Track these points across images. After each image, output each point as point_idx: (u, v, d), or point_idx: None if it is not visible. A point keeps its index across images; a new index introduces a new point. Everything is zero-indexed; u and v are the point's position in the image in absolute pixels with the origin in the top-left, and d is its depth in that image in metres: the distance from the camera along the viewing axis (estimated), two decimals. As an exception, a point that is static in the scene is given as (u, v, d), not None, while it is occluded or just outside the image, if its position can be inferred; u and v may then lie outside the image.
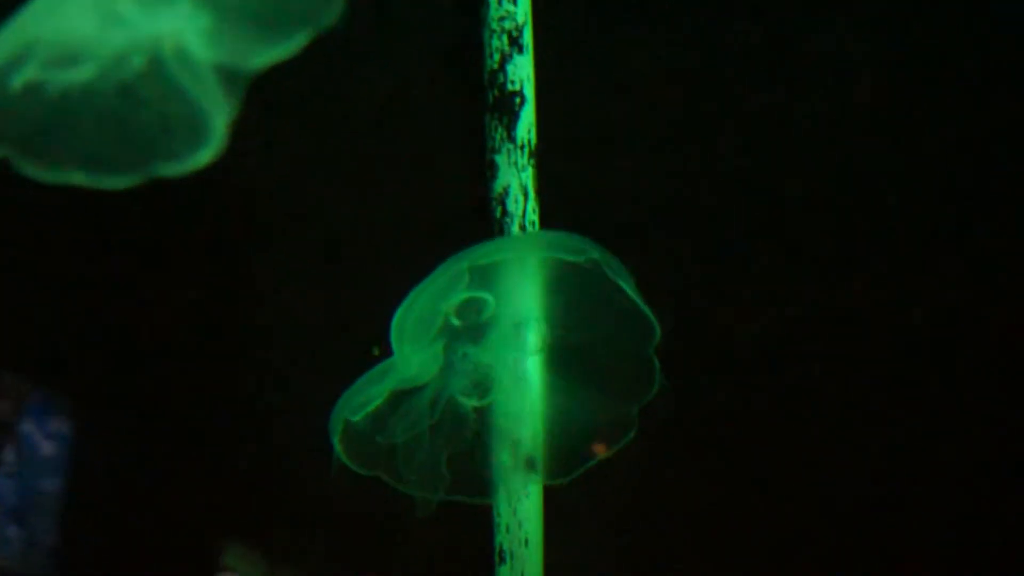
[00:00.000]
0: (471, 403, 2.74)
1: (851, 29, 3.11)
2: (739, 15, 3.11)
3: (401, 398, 2.71)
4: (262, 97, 2.65)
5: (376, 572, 3.18)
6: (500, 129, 3.06)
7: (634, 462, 3.10)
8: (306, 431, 3.12)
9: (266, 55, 2.08)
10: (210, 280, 3.16)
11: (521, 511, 3.04)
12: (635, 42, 3.12)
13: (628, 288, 2.59)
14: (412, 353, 2.66)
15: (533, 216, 3.06)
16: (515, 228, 3.05)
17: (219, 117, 2.08)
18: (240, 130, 2.90)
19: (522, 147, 3.06)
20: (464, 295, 2.66)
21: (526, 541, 3.04)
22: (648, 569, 3.13)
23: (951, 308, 3.13)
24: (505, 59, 3.05)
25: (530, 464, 3.02)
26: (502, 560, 3.04)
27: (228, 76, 2.08)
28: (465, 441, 2.80)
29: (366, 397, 2.66)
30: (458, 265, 2.64)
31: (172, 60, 2.03)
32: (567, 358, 2.75)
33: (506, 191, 3.06)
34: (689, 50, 3.12)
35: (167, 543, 3.15)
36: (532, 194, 3.06)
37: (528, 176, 3.06)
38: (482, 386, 2.74)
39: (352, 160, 3.15)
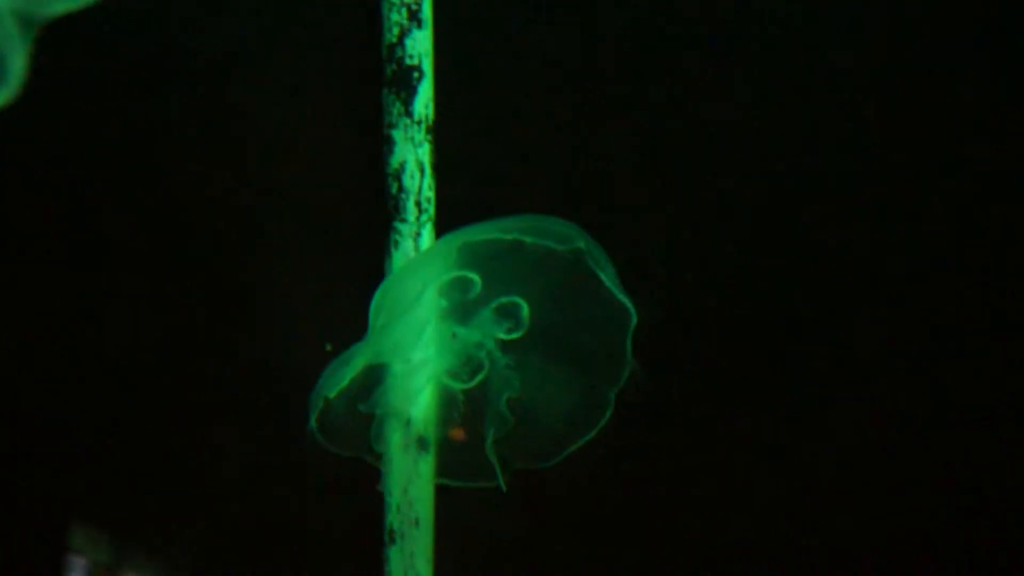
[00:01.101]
0: (458, 385, 2.73)
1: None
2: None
3: (384, 370, 2.73)
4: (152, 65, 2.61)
5: (261, 553, 3.14)
6: (398, 104, 3.02)
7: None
8: (171, 413, 3.08)
9: (62, 3, 2.15)
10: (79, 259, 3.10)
11: (412, 491, 3.01)
12: (535, 18, 3.09)
13: (608, 277, 2.64)
14: (394, 328, 2.66)
15: (429, 192, 3.03)
16: (411, 204, 3.02)
17: (16, 58, 2.19)
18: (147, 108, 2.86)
19: (419, 122, 3.02)
20: (452, 274, 2.67)
21: (416, 521, 3.01)
22: (540, 550, 3.12)
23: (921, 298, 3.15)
24: (404, 33, 3.02)
25: (421, 444, 2.99)
26: (392, 540, 3.01)
27: (24, 20, 2.11)
28: (453, 422, 2.79)
29: (342, 374, 2.68)
30: (448, 244, 2.65)
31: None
32: (545, 340, 2.76)
33: (402, 166, 3.02)
34: (589, 26, 3.10)
35: (13, 524, 3.09)
36: (428, 170, 3.03)
37: (425, 152, 3.02)
38: (470, 367, 2.74)
39: (247, 135, 3.10)
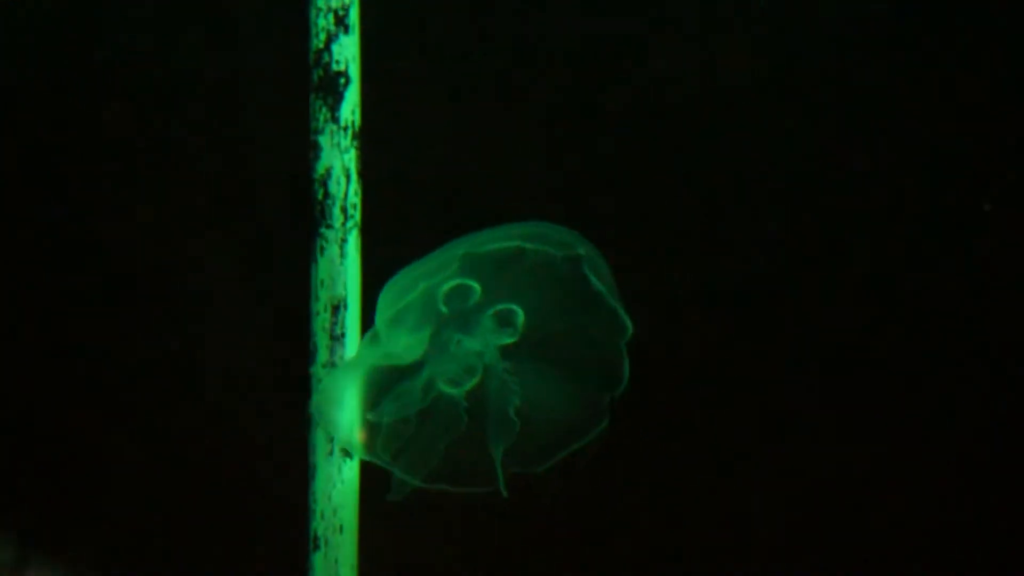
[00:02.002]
0: (457, 391, 2.75)
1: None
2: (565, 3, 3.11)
3: (395, 379, 2.74)
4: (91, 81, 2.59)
5: (184, 559, 3.13)
6: (324, 110, 3.01)
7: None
8: (85, 415, 3.06)
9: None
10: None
11: (336, 497, 3.00)
12: (462, 24, 3.09)
13: (605, 286, 2.67)
14: (397, 331, 2.70)
15: (355, 199, 3.02)
16: (336, 210, 3.01)
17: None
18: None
19: (346, 128, 3.01)
20: (453, 281, 2.69)
21: (341, 528, 3.00)
22: (465, 556, 3.12)
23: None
24: (331, 39, 3.01)
25: (345, 449, 2.99)
26: (316, 547, 3.00)
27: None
28: (457, 429, 2.78)
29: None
30: (452, 252, 2.68)
31: None
32: (542, 347, 2.77)
33: (328, 172, 3.01)
34: (515, 33, 3.10)
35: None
36: (355, 176, 3.02)
37: (351, 158, 3.02)
38: (470, 373, 2.75)
39: (173, 140, 3.08)
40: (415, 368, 2.75)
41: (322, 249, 3.02)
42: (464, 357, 2.75)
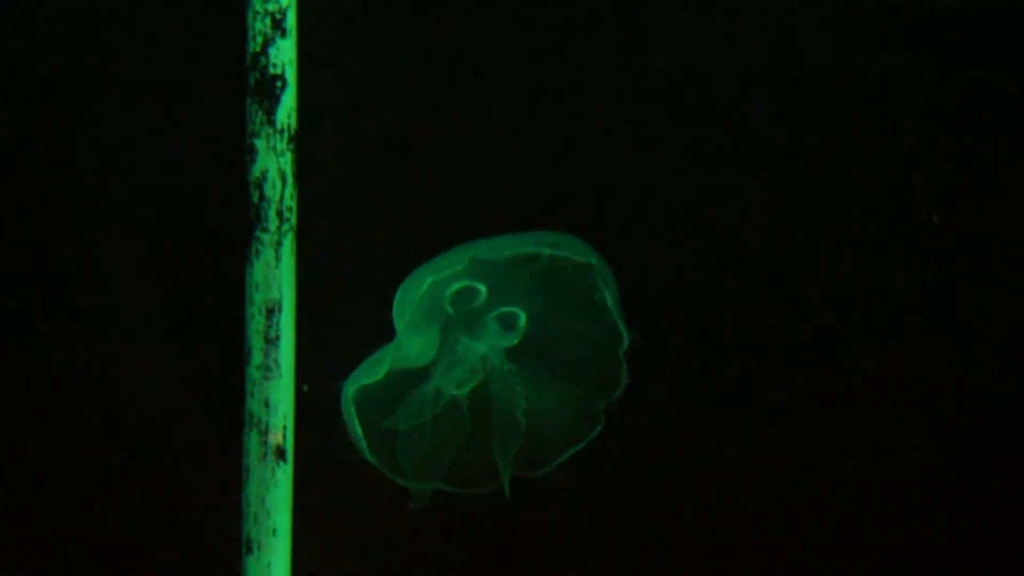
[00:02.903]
0: (460, 392, 2.77)
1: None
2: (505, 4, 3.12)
3: (408, 387, 2.76)
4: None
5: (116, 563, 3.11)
6: (260, 113, 3.01)
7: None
8: (19, 418, 3.05)
9: None
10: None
11: (269, 500, 3.00)
12: (399, 28, 3.10)
13: (611, 296, 2.72)
14: (411, 334, 2.72)
15: (291, 202, 3.02)
16: (272, 213, 3.01)
17: None
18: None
19: (282, 131, 3.02)
20: (460, 284, 2.71)
21: (274, 531, 3.00)
22: (401, 558, 3.12)
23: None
24: (268, 42, 3.01)
25: (279, 453, 2.99)
26: (249, 550, 3.00)
27: None
28: (463, 432, 2.80)
29: (370, 376, 2.73)
30: (461, 254, 2.70)
31: None
32: (543, 352, 2.80)
33: (264, 175, 3.02)
34: (453, 36, 3.11)
35: None
36: (291, 179, 3.02)
37: (287, 161, 3.02)
38: (473, 374, 2.77)
39: (109, 142, 3.07)
40: (426, 373, 2.77)
41: (257, 252, 3.02)
42: (468, 359, 2.76)
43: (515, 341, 2.75)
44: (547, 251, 2.71)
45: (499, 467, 2.80)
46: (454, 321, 2.76)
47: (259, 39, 3.02)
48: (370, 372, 2.74)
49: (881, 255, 3.16)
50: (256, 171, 3.02)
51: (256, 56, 3.02)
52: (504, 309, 2.77)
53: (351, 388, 2.77)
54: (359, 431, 2.78)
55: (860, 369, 3.16)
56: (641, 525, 3.13)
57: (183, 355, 3.05)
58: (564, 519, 3.09)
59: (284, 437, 3.01)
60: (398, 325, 2.74)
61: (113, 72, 3.06)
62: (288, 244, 3.02)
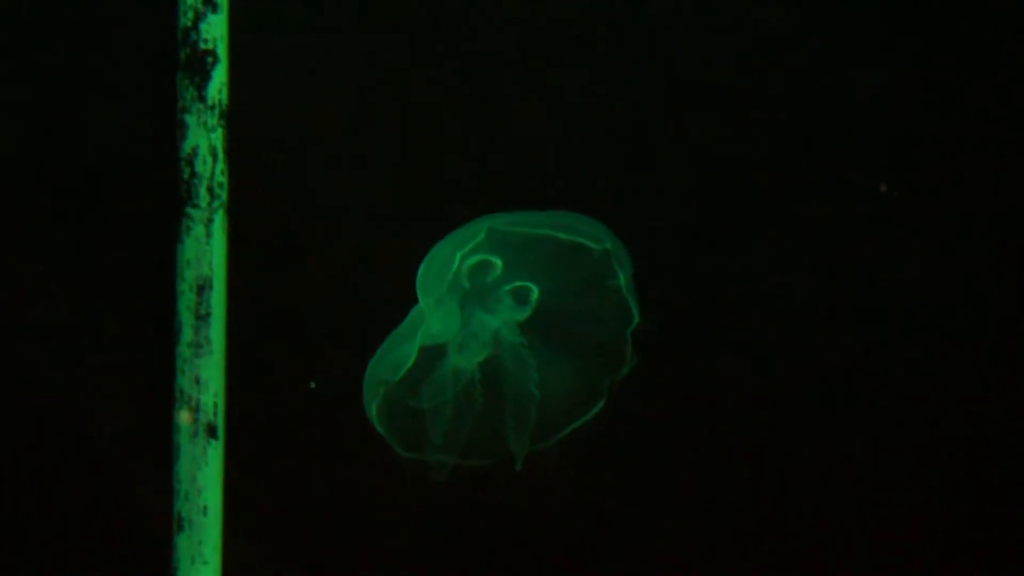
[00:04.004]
0: (470, 365, 2.77)
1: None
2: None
3: (431, 366, 2.76)
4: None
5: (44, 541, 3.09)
6: (191, 88, 3.00)
7: (317, 433, 3.09)
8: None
9: None
10: None
11: (200, 478, 2.99)
12: (332, 2, 3.09)
13: (623, 276, 2.74)
14: (434, 307, 2.73)
15: (222, 178, 3.01)
16: (203, 190, 3.00)
17: None
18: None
19: (213, 107, 3.00)
20: (477, 257, 2.72)
21: (205, 509, 2.99)
22: (329, 539, 3.12)
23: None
24: (199, 17, 2.99)
25: (210, 431, 2.98)
26: (180, 528, 2.99)
27: None
28: (477, 405, 2.80)
29: (400, 356, 2.73)
30: (478, 226, 2.71)
31: None
32: (553, 326, 2.81)
33: (195, 152, 3.00)
34: (386, 10, 3.10)
35: None
36: (221, 155, 3.01)
37: (218, 137, 3.00)
38: (485, 347, 2.78)
39: (38, 116, 3.04)
40: (440, 348, 2.78)
41: (188, 229, 3.00)
42: (482, 333, 2.78)
43: (528, 314, 2.77)
44: (563, 235, 2.73)
45: (512, 440, 2.81)
46: (469, 295, 2.77)
47: (190, 14, 3.00)
48: (400, 354, 2.74)
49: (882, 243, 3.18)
50: (187, 147, 3.00)
51: (187, 31, 3.00)
52: (518, 283, 2.78)
53: (381, 373, 2.78)
54: (375, 412, 2.78)
55: (862, 354, 3.16)
56: (638, 503, 3.14)
57: (113, 332, 3.03)
58: (546, 495, 3.09)
59: (215, 414, 3.00)
60: (425, 301, 2.75)
61: (43, 48, 3.03)
62: (219, 220, 3.01)
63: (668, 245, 3.09)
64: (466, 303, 2.77)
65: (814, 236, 3.15)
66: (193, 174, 3.00)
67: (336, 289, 3.09)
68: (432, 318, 2.74)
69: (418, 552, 3.11)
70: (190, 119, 3.00)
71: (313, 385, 3.04)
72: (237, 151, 3.01)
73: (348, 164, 3.10)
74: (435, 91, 3.12)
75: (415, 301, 2.90)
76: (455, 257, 2.71)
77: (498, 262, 2.76)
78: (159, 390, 3.02)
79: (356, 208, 3.09)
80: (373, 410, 2.78)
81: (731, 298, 3.13)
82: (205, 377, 3.00)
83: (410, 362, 2.72)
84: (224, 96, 3.01)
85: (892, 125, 3.15)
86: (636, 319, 2.77)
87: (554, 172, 3.12)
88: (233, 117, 3.01)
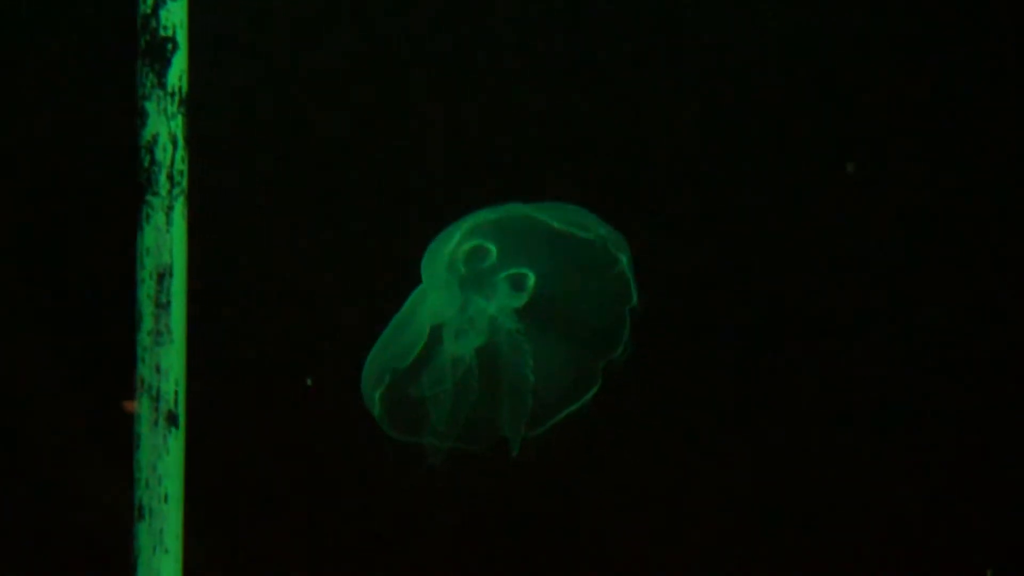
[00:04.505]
0: (467, 350, 2.79)
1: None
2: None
3: (428, 353, 2.77)
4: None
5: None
6: (151, 75, 2.98)
7: (277, 421, 3.10)
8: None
9: None
10: None
11: (161, 467, 2.98)
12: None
13: (625, 259, 2.78)
14: (434, 289, 2.76)
15: (182, 166, 2.99)
16: (163, 178, 2.98)
17: None
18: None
19: (172, 94, 2.98)
20: (472, 243, 2.74)
21: (165, 497, 2.98)
22: (290, 527, 3.13)
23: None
24: (159, 4, 2.97)
25: (171, 419, 2.97)
26: (141, 516, 2.98)
27: None
28: (473, 391, 2.82)
29: (407, 343, 2.76)
30: (476, 216, 2.74)
31: None
32: (549, 309, 2.82)
33: (155, 139, 2.98)
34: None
35: None
36: (182, 143, 2.99)
37: (178, 124, 2.99)
38: (480, 333, 2.79)
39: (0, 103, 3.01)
40: (437, 334, 2.80)
41: (148, 217, 2.98)
42: (479, 319, 2.80)
43: (524, 301, 2.80)
44: (559, 226, 2.75)
45: (508, 426, 2.84)
46: (467, 281, 2.80)
47: (150, 1, 2.98)
48: (407, 341, 2.77)
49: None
50: (147, 135, 2.98)
51: (147, 18, 2.98)
52: (513, 270, 2.81)
53: (389, 361, 2.79)
54: (378, 398, 2.79)
55: (857, 346, 3.21)
56: (631, 490, 3.17)
57: (73, 319, 3.00)
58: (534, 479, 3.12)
59: (176, 403, 2.99)
60: (429, 287, 2.77)
61: (2, 36, 2.99)
62: (179, 208, 2.99)
63: (660, 235, 3.14)
64: (463, 289, 2.80)
65: (810, 230, 3.20)
66: (153, 162, 2.98)
67: (296, 276, 3.10)
68: (434, 300, 2.77)
69: (381, 538, 3.14)
70: (150, 106, 2.98)
71: (310, 383, 3.05)
72: (197, 138, 3.00)
73: (308, 150, 3.11)
74: (392, 80, 3.13)
75: (370, 290, 2.94)
76: (451, 242, 2.74)
77: (493, 248, 2.79)
78: (121, 379, 3.00)
79: (315, 196, 3.10)
80: (376, 396, 2.79)
81: (725, 286, 3.18)
82: (166, 365, 2.99)
83: (419, 346, 2.75)
84: (184, 83, 2.99)
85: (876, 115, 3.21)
86: (634, 301, 2.83)
87: (546, 165, 3.15)
88: (193, 104, 3.00)
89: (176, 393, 2.99)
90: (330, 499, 3.12)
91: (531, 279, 2.82)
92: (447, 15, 3.14)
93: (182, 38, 2.99)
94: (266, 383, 3.09)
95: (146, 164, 2.98)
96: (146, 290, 2.99)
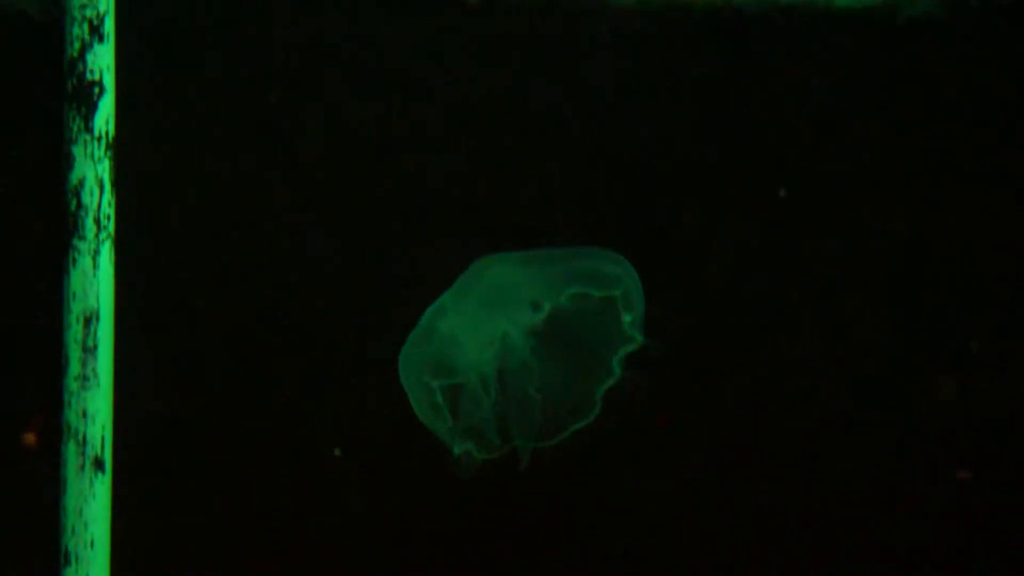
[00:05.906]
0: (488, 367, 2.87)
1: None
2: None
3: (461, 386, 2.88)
4: None
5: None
6: (78, 119, 2.97)
7: (206, 465, 3.09)
8: None
9: None
10: None
11: (87, 512, 2.97)
12: (220, 33, 3.08)
13: (634, 316, 2.87)
14: (461, 312, 2.89)
15: (109, 209, 2.99)
16: (89, 221, 2.97)
17: None
18: None
19: (99, 138, 2.98)
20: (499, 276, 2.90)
21: (92, 543, 2.97)
22: (218, 572, 3.11)
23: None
24: (85, 48, 2.97)
25: (96, 463, 2.96)
26: (67, 563, 2.96)
27: None
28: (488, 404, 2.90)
29: (440, 359, 2.88)
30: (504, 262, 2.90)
31: None
32: (558, 331, 2.89)
33: (82, 183, 2.98)
34: (276, 39, 3.10)
35: None
36: (108, 186, 2.99)
37: (105, 168, 2.98)
38: (494, 350, 2.88)
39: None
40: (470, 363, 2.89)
41: (74, 261, 2.98)
42: (491, 335, 2.87)
43: (539, 319, 2.87)
44: (576, 288, 2.87)
45: (517, 439, 2.88)
46: (489, 302, 2.90)
47: (76, 44, 2.97)
48: (440, 357, 2.89)
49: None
50: (74, 178, 2.98)
51: (73, 62, 2.98)
52: (532, 298, 2.89)
53: (425, 374, 2.88)
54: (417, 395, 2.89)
55: (858, 368, 3.22)
56: (638, 500, 3.18)
57: (0, 364, 2.99)
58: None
59: (103, 448, 2.98)
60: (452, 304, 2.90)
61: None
62: (106, 252, 2.99)
63: (667, 259, 3.17)
64: (486, 307, 2.88)
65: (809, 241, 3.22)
66: (79, 205, 2.98)
67: (225, 321, 3.09)
68: (458, 319, 2.86)
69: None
70: (77, 150, 2.98)
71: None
72: (124, 182, 3.00)
73: (236, 194, 3.10)
74: (329, 124, 3.14)
75: (300, 336, 2.95)
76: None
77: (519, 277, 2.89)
78: (47, 423, 2.99)
79: (243, 237, 3.10)
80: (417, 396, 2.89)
81: (731, 310, 3.20)
82: (92, 410, 2.98)
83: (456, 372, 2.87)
84: (111, 127, 2.99)
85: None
86: (639, 342, 2.90)
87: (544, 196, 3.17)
88: (120, 148, 2.99)
89: (103, 438, 2.98)
90: (258, 546, 3.11)
91: (547, 305, 2.87)
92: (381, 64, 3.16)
93: (109, 82, 2.99)
94: (194, 427, 3.08)
95: (73, 208, 2.98)
96: (73, 335, 2.98)
